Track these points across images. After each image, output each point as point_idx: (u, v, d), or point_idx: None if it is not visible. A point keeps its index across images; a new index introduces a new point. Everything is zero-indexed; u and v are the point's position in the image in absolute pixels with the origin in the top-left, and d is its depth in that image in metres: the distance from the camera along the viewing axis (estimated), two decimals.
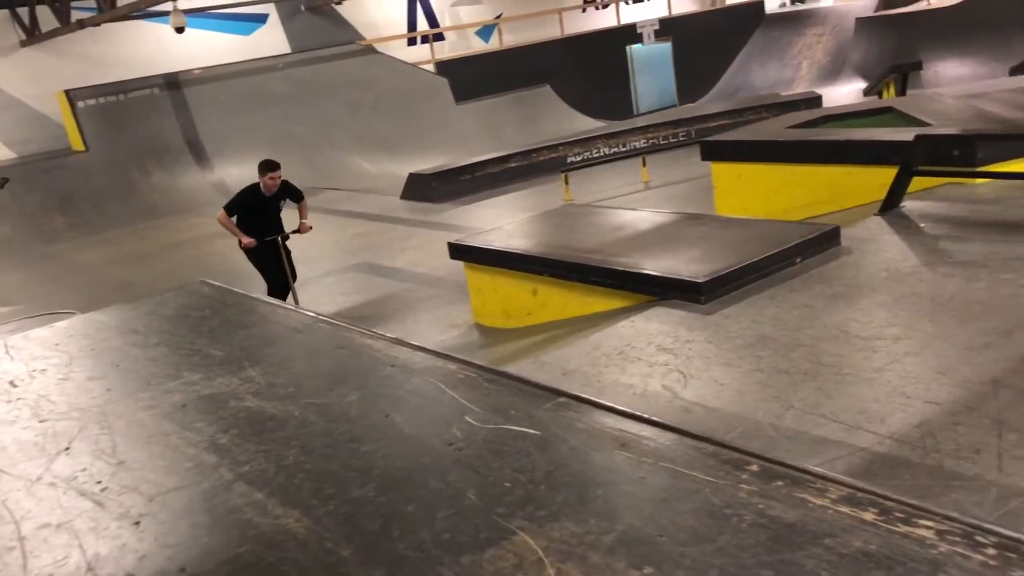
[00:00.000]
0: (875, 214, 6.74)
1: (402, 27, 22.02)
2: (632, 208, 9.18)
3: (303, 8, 20.28)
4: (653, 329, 5.24)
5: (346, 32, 20.77)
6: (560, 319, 6.27)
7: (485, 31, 23.31)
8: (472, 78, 20.31)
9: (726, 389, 4.29)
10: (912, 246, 5.99)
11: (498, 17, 23.10)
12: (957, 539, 1.33)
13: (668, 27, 23.85)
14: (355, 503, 1.83)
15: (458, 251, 7.11)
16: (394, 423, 2.19)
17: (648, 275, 5.77)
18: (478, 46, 22.86)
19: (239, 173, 17.55)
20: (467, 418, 2.08)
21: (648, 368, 4.69)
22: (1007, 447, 3.34)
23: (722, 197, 9.09)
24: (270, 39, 19.88)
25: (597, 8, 25.57)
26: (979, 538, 1.32)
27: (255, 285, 8.12)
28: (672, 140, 15.72)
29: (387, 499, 1.81)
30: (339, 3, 20.25)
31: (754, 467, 1.66)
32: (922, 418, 3.68)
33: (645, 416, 2.04)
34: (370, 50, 20.62)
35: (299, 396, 2.47)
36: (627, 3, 25.44)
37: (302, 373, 2.76)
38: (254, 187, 8.05)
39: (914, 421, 3.66)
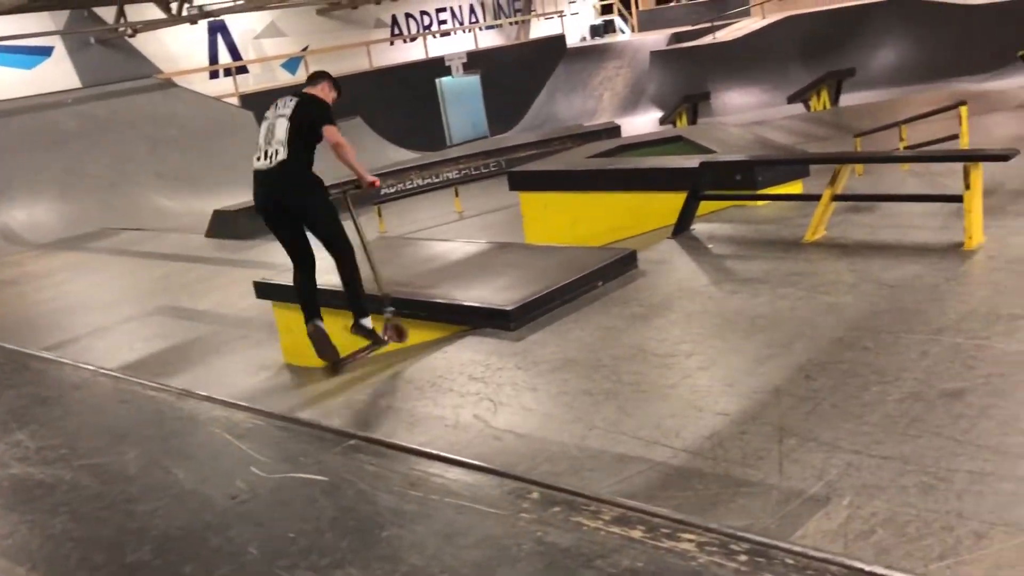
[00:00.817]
0: (668, 237, 7.12)
1: (203, 60, 21.28)
2: (445, 239, 9.26)
3: (93, 41, 19.19)
4: (465, 359, 5.28)
5: (142, 66, 19.82)
6: (375, 354, 6.20)
7: (291, 64, 22.94)
8: None
9: (534, 414, 4.38)
10: (702, 266, 6.37)
11: (304, 49, 22.80)
12: (714, 549, 1.41)
13: (476, 60, 24.37)
14: (129, 569, 1.72)
15: (265, 290, 6.90)
16: (176, 479, 2.08)
17: (459, 305, 5.82)
18: (284, 79, 22.44)
19: (26, 217, 16.32)
20: (253, 469, 2.01)
21: (460, 399, 4.72)
22: (787, 451, 3.59)
23: (531, 225, 9.33)
24: (56, 73, 18.65)
25: (405, 41, 25.78)
26: (733, 546, 1.40)
27: (32, 336, 7.55)
28: (484, 170, 16.02)
29: (163, 562, 1.72)
30: (132, 36, 19.33)
31: (535, 495, 1.69)
32: (713, 429, 3.89)
33: (434, 452, 2.05)
34: (169, 84, 19.79)
35: (72, 458, 2.30)
36: (435, 36, 25.80)
37: (78, 432, 2.58)
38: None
39: (705, 433, 3.87)
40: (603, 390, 4.49)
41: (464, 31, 27.09)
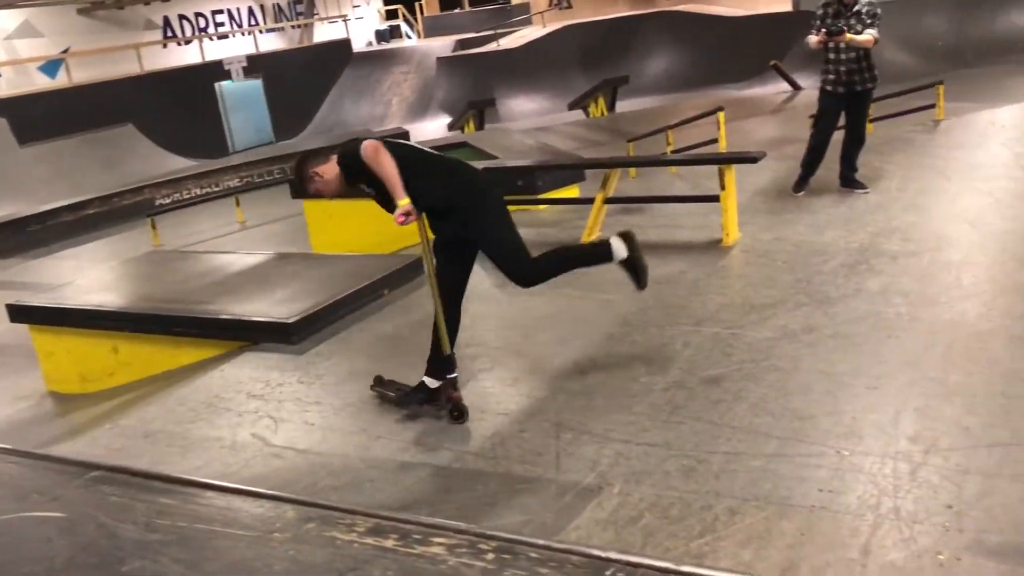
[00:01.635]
0: None
1: None
2: (225, 251, 8.88)
3: None
4: (244, 376, 5.09)
5: None
6: (148, 376, 5.84)
7: (50, 67, 21.25)
8: (38, 118, 18.30)
9: (316, 429, 4.28)
10: (487, 270, 6.46)
11: (65, 51, 21.18)
12: (464, 550, 1.43)
13: (257, 64, 23.57)
14: None
15: (20, 313, 6.33)
16: None
17: (236, 320, 5.59)
18: (43, 83, 20.75)
19: None
20: None
21: (238, 418, 4.54)
22: (563, 446, 3.72)
23: (317, 234, 9.13)
24: None
25: (179, 44, 24.55)
26: (482, 545, 1.43)
27: None
28: (268, 178, 15.53)
29: None
30: None
31: (290, 513, 1.65)
32: (495, 430, 3.97)
33: (183, 477, 1.95)
34: None
35: None
36: (211, 39, 24.73)
37: None
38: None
39: (488, 433, 3.94)
40: (388, 399, 4.46)
41: (243, 34, 26.17)
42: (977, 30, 20.75)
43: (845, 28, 6.63)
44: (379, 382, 4.48)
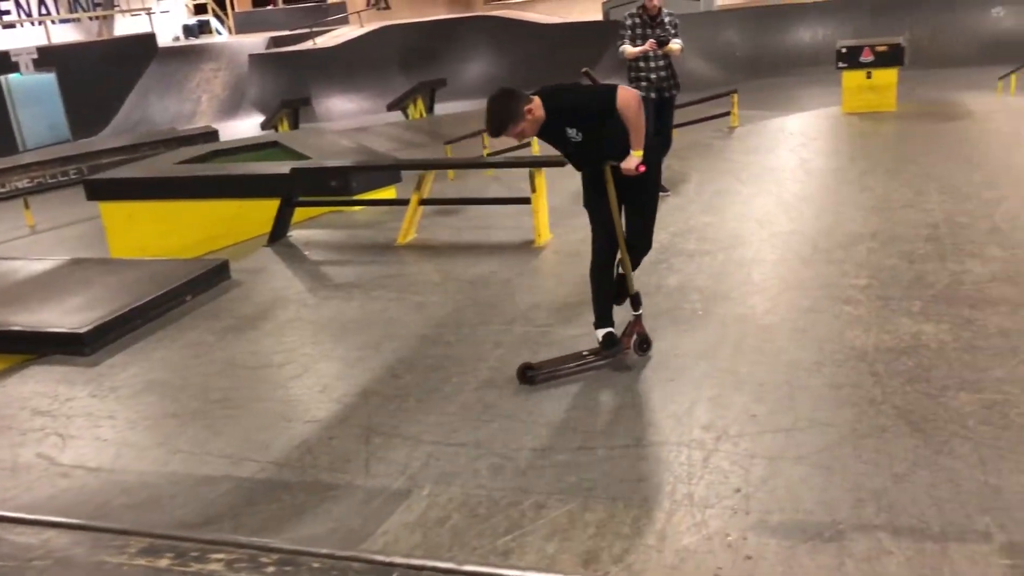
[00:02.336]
0: (264, 245, 6.97)
1: None
2: (10, 257, 8.19)
3: None
4: (28, 391, 4.70)
5: None
6: None
7: None
8: None
9: (110, 445, 4.01)
10: (297, 273, 6.32)
11: None
12: (244, 565, 1.37)
13: (50, 57, 21.91)
14: None
15: None
16: None
17: (19, 332, 5.17)
18: None
19: None
20: None
21: (20, 437, 4.18)
22: (373, 450, 3.67)
23: (115, 238, 8.61)
24: None
25: None
26: (263, 559, 1.38)
27: None
28: (63, 178, 14.46)
29: None
30: None
31: (56, 538, 1.53)
32: (302, 438, 3.86)
33: None
34: None
35: None
36: None
37: None
38: None
39: (295, 443, 3.82)
40: (190, 410, 4.25)
41: (33, 24, 24.25)
42: (770, 44, 22.31)
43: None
44: (530, 368, 4.13)
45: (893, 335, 4.24)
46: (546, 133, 4.20)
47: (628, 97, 4.01)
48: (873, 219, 6.03)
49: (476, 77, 23.51)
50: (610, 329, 4.29)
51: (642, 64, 7.18)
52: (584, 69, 18.99)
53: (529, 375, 4.11)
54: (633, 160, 4.06)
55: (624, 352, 4.26)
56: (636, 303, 4.29)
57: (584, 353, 4.26)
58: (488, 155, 10.42)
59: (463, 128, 12.98)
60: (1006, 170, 6.90)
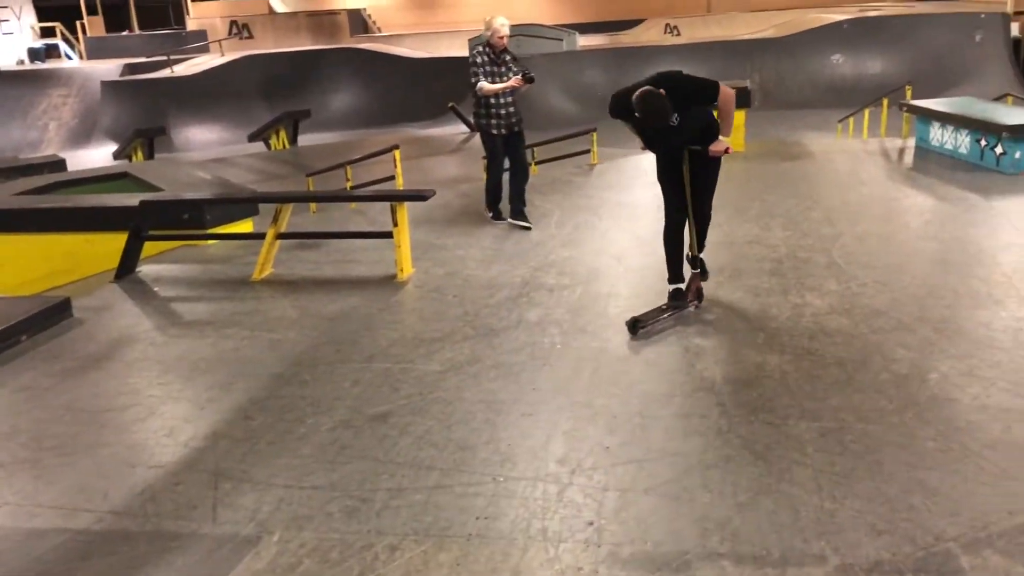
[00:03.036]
0: (111, 281, 6.64)
1: None
2: None
3: None
4: None
5: None
6: None
7: None
8: None
9: None
10: (145, 310, 6.03)
11: None
12: None
13: None
14: None
15: None
16: None
17: None
18: None
19: None
20: None
21: None
22: (221, 496, 3.52)
23: None
24: None
25: None
26: None
27: None
28: None
29: None
30: None
31: None
32: (145, 484, 3.66)
33: None
34: None
35: None
36: None
37: None
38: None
39: (137, 490, 3.62)
40: (18, 459, 3.96)
41: None
42: (630, 82, 23.09)
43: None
44: (639, 321, 4.93)
45: (738, 366, 4.42)
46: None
47: (729, 93, 4.91)
48: (722, 254, 6.29)
49: (341, 109, 23.33)
50: (678, 285, 5.22)
51: (493, 101, 7.35)
52: (450, 104, 19.15)
53: (639, 328, 4.87)
54: (723, 144, 4.89)
55: (690, 304, 5.22)
56: (695, 264, 5.28)
57: (662, 307, 5.14)
58: (351, 188, 10.31)
59: (326, 160, 12.79)
60: (843, 207, 7.34)
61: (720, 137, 4.94)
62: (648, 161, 10.37)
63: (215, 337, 5.35)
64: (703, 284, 5.36)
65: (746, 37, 24.62)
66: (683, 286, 5.22)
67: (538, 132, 16.49)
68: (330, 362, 4.85)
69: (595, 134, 10.84)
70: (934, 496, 3.20)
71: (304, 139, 19.02)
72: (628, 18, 30.52)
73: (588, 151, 10.83)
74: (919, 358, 4.36)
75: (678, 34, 27.81)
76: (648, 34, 28.23)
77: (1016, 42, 24.15)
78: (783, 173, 9.01)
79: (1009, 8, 21.76)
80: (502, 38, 7.29)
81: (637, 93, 4.81)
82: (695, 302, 5.26)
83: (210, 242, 7.49)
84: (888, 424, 3.74)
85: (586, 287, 5.81)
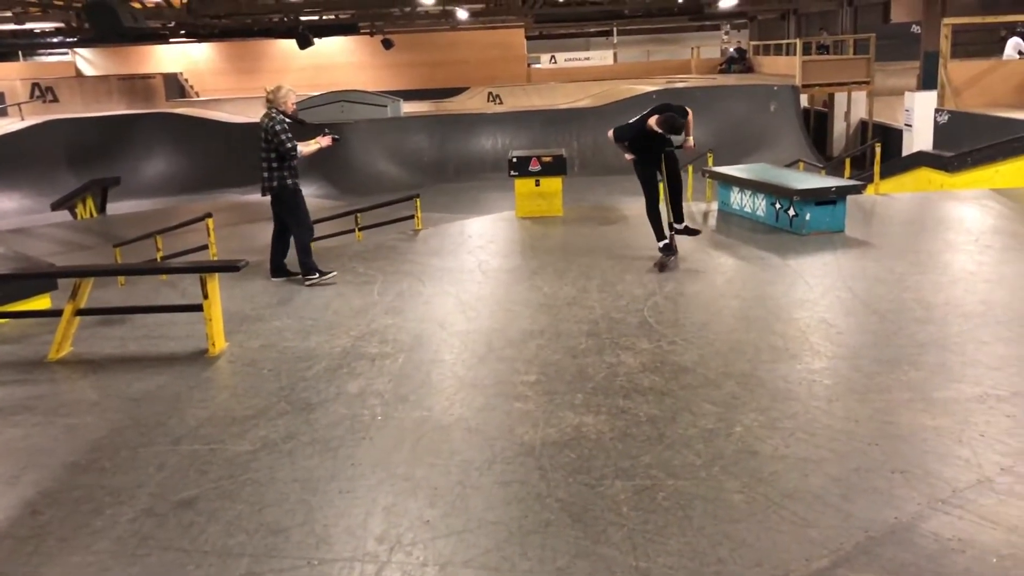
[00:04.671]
0: None
1: None
2: None
3: None
4: None
5: None
6: None
7: None
8: None
9: None
10: None
11: None
12: None
13: None
14: None
15: None
16: None
17: None
18: None
19: None
20: None
21: None
22: None
23: None
24: None
25: None
26: None
27: None
28: None
29: None
30: None
31: None
32: None
33: None
34: None
35: None
36: None
37: None
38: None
39: None
40: None
41: None
42: (456, 150, 23.56)
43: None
44: (664, 263, 7.77)
45: (558, 428, 4.47)
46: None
47: (691, 113, 7.74)
48: (542, 317, 6.41)
49: (156, 175, 22.45)
50: (666, 241, 7.88)
51: (292, 163, 7.78)
52: None
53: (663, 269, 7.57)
54: (690, 142, 7.92)
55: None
56: (683, 232, 7.99)
57: (656, 265, 7.74)
58: (162, 258, 9.84)
59: (137, 229, 12.20)
60: (654, 269, 7.69)
61: (686, 139, 7.81)
62: (473, 226, 10.56)
63: (1, 425, 4.90)
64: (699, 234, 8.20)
65: (565, 106, 25.72)
66: (668, 241, 7.86)
67: (362, 197, 16.47)
68: (133, 447, 4.53)
69: (418, 200, 10.91)
70: (740, 548, 3.32)
71: (115, 207, 18.12)
72: (452, 86, 31.20)
73: (412, 216, 10.87)
74: (724, 412, 4.57)
75: (501, 102, 28.70)
76: (472, 102, 28.96)
77: (806, 112, 26.49)
78: (599, 236, 9.36)
79: (798, 80, 23.84)
80: (294, 104, 7.83)
81: (664, 116, 7.43)
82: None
83: (1, 321, 6.91)
84: (697, 479, 3.87)
85: (409, 355, 5.75)
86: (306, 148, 7.70)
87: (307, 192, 19.70)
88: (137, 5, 21.33)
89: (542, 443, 4.31)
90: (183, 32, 27.13)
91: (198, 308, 6.09)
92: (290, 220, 8.00)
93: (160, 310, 6.82)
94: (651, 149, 7.69)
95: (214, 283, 6.00)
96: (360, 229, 11.40)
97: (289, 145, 7.54)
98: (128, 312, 6.93)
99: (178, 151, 23.21)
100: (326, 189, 20.32)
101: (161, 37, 27.68)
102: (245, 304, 7.22)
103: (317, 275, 7.79)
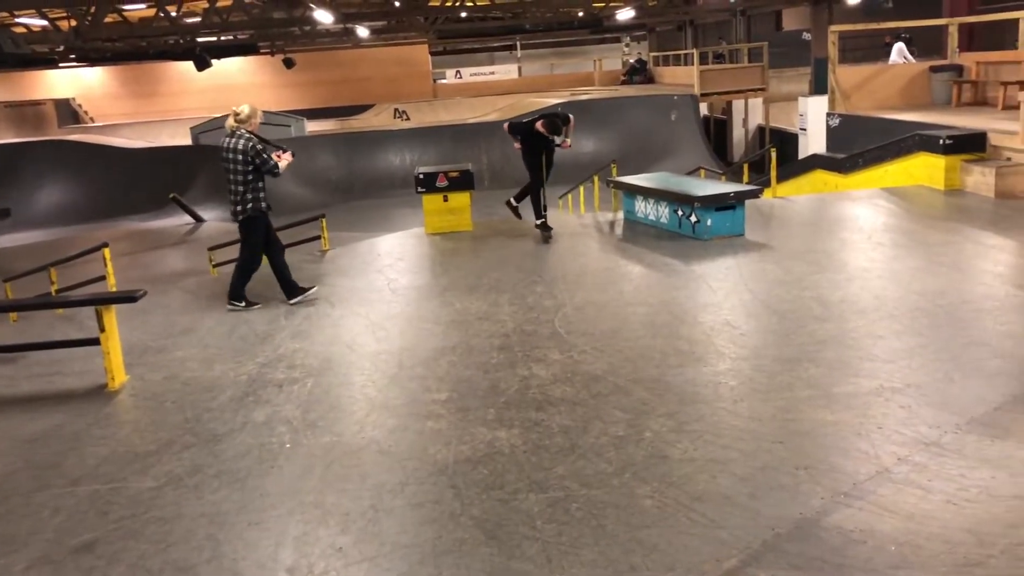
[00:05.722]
0: None
1: None
2: None
3: None
4: None
5: None
6: None
7: None
8: None
9: None
10: None
11: None
12: None
13: None
14: None
15: None
16: None
17: None
18: None
19: None
20: None
21: None
22: None
23: None
24: None
25: None
26: None
27: None
28: None
29: None
30: None
31: None
32: None
33: None
34: None
35: None
36: None
37: None
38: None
39: None
40: None
41: None
42: (364, 168, 23.36)
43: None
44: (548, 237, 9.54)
45: (471, 445, 4.45)
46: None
47: (572, 119, 9.81)
48: (453, 333, 6.39)
49: (49, 206, 21.62)
50: (544, 219, 9.74)
51: (263, 184, 7.57)
52: (172, 195, 18.36)
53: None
54: (568, 142, 9.75)
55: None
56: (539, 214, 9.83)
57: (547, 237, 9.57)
58: (57, 292, 9.46)
59: (29, 262, 11.70)
60: (563, 280, 7.74)
61: (565, 140, 9.68)
62: (383, 244, 10.47)
63: None
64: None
65: (472, 120, 25.81)
66: (545, 220, 9.78)
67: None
68: (26, 491, 4.32)
69: (324, 220, 10.76)
70: (652, 553, 3.36)
71: (5, 240, 17.35)
72: (357, 103, 31.01)
73: (319, 237, 10.71)
74: (634, 419, 4.63)
75: (407, 118, 28.64)
76: (378, 118, 28.83)
77: (707, 120, 27.21)
78: (509, 250, 9.40)
79: (697, 89, 24.46)
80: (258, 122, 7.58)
81: (547, 120, 9.47)
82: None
83: None
84: (609, 487, 3.90)
85: (317, 379, 5.65)
86: (283, 164, 7.57)
87: (210, 217, 19.30)
88: (21, 30, 20.55)
89: (455, 461, 4.28)
90: (73, 56, 26.21)
91: (95, 342, 5.86)
92: (248, 243, 7.66)
93: (54, 346, 6.54)
94: (536, 145, 9.66)
95: (111, 315, 5.79)
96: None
97: (272, 163, 7.39)
98: (19, 350, 6.61)
99: (74, 179, 22.39)
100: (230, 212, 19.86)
101: (50, 62, 26.67)
102: (146, 335, 6.98)
103: (243, 304, 7.55)
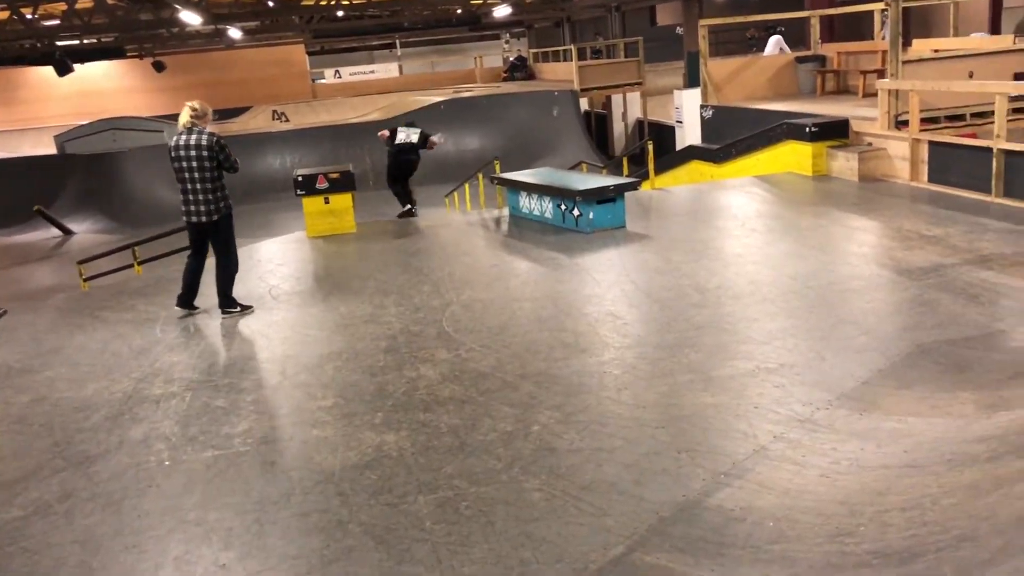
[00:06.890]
0: None
1: None
2: None
3: None
4: None
5: None
6: None
7: None
8: None
9: None
10: None
11: None
12: None
13: None
14: None
15: None
16: None
17: None
18: None
19: None
20: None
21: None
22: None
23: None
24: None
25: None
26: None
27: None
28: None
29: None
30: None
31: None
32: None
33: None
34: None
35: None
36: None
37: None
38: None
39: None
40: None
41: None
42: (243, 171, 22.66)
43: None
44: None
45: (358, 450, 4.39)
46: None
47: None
48: (338, 338, 6.28)
49: None
50: (410, 207, 12.23)
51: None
52: (36, 207, 17.46)
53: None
54: (434, 143, 12.23)
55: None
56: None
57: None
58: None
59: None
60: (449, 278, 7.72)
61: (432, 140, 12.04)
62: (264, 250, 10.22)
63: None
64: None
65: (354, 120, 25.43)
66: (412, 207, 12.28)
67: (142, 229, 15.54)
68: None
69: None
70: (542, 545, 3.38)
71: None
72: (233, 106, 30.10)
73: None
74: (522, 413, 4.65)
75: (286, 120, 27.99)
76: (256, 121, 28.07)
77: (588, 114, 27.61)
78: (395, 250, 9.31)
79: (576, 85, 24.80)
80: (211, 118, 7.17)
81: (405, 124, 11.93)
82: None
83: None
84: (498, 483, 3.91)
85: (196, 393, 5.46)
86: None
87: (81, 228, 18.45)
88: None
89: (342, 467, 4.21)
90: None
91: None
92: (224, 248, 7.25)
93: None
94: (399, 149, 12.14)
95: None
96: (140, 263, 10.75)
97: (235, 159, 7.08)
98: None
99: None
100: (102, 223, 19.02)
101: None
102: (10, 356, 6.61)
103: (239, 308, 7.18)
